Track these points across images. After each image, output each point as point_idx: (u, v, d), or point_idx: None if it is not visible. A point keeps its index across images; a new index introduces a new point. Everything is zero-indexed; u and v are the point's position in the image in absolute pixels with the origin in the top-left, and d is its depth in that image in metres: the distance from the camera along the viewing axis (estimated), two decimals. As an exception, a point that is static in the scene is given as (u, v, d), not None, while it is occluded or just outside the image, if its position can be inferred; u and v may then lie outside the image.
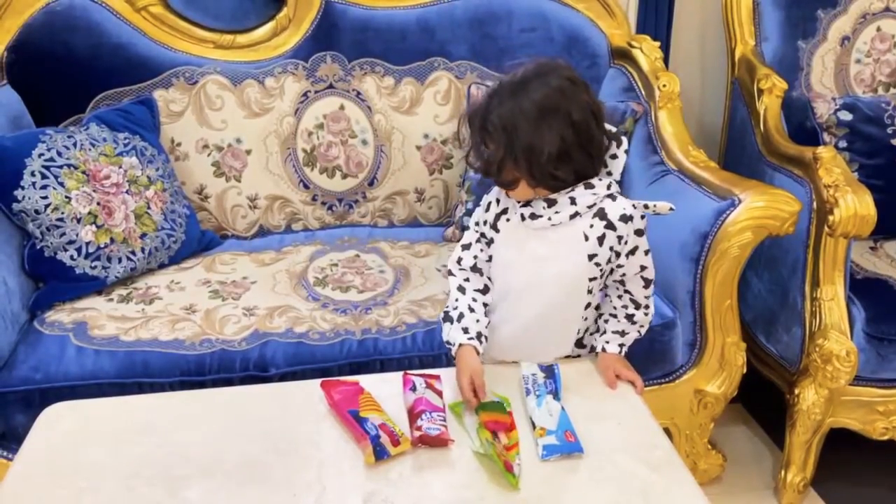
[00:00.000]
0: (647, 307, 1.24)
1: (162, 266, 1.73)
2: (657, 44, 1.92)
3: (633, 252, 1.18)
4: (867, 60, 2.03)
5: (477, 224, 1.26)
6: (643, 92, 1.87)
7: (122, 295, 1.61)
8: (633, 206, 1.16)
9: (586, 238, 1.16)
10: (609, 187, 1.17)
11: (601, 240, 1.16)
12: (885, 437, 1.66)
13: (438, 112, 1.94)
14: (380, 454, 1.05)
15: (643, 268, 1.20)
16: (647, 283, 1.22)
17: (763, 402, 1.91)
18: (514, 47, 1.93)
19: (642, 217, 1.17)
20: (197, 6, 1.87)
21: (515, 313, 1.23)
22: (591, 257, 1.16)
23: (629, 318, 1.24)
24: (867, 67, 2.03)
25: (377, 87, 1.93)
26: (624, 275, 1.21)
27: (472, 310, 1.22)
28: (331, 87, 1.92)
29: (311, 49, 1.91)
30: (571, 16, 1.96)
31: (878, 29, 2.03)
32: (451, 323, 1.23)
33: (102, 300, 1.59)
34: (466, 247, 1.26)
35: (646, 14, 2.04)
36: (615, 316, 1.24)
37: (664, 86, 1.81)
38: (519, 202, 1.18)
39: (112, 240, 1.61)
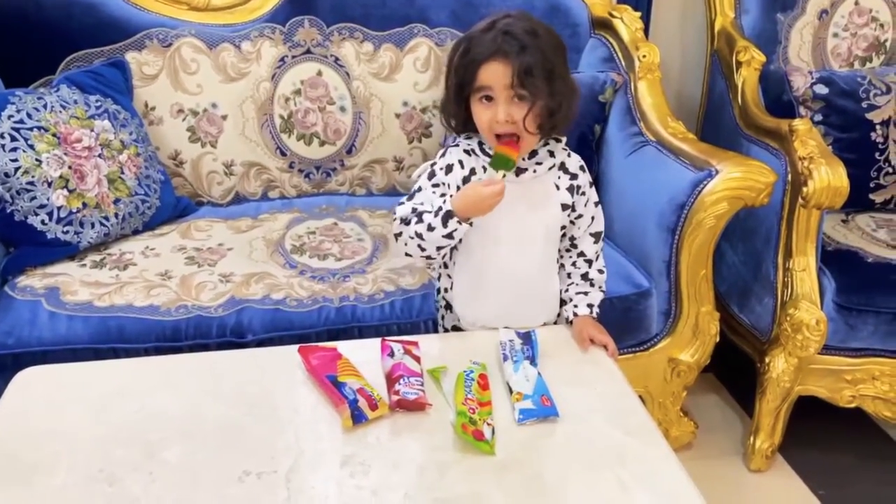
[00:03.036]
0: (599, 263, 1.29)
1: (136, 232, 1.71)
2: (638, 14, 1.91)
3: (587, 202, 1.25)
4: (844, 34, 2.04)
5: (436, 186, 1.21)
6: (623, 62, 1.87)
7: (95, 261, 1.59)
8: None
9: (557, 188, 1.21)
10: (567, 143, 1.24)
11: (570, 190, 1.22)
12: (852, 405, 1.70)
13: (418, 79, 1.93)
14: (357, 418, 1.05)
15: (593, 219, 1.27)
16: (596, 237, 1.28)
17: (734, 371, 1.95)
18: (495, 14, 1.91)
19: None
20: (171, -34, 1.82)
21: (504, 272, 1.23)
22: (563, 207, 1.22)
23: (584, 277, 1.28)
24: (844, 42, 2.05)
25: (356, 53, 1.91)
26: (578, 229, 1.26)
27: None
28: (308, 52, 1.89)
29: (289, 13, 1.87)
30: (552, -16, 1.95)
31: (857, 3, 2.04)
32: (429, 214, 1.16)
33: (75, 265, 1.57)
34: (420, 204, 1.19)
35: (627, -16, 2.03)
36: (572, 281, 1.28)
37: (644, 56, 1.81)
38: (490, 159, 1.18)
39: (84, 204, 1.58)
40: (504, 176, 1.15)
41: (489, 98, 1.13)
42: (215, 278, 1.54)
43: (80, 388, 1.14)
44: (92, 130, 1.63)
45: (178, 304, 1.45)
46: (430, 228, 1.15)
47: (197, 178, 1.88)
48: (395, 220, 1.21)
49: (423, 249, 1.18)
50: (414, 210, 1.19)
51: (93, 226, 1.60)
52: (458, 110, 1.19)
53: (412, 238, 1.18)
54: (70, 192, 1.56)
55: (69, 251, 1.58)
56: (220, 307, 1.45)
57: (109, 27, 1.78)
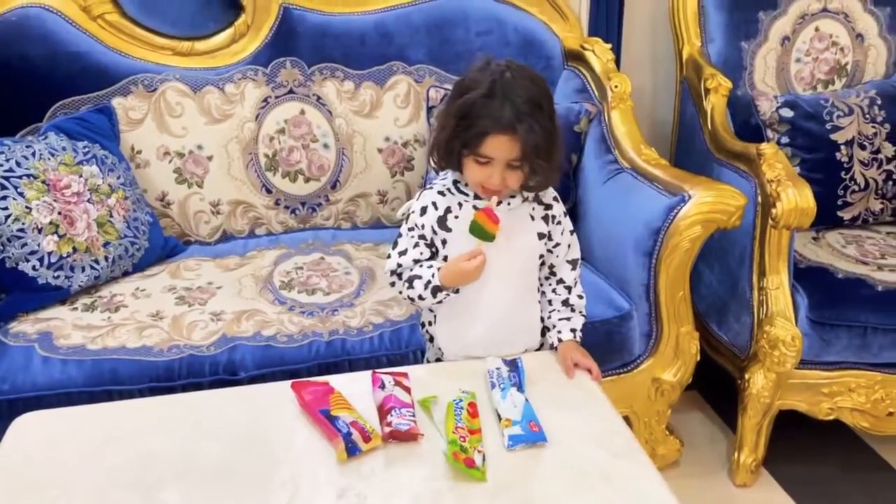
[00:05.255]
0: (578, 289, 1.34)
1: (126, 274, 1.73)
2: (608, 46, 1.98)
3: (563, 231, 1.30)
4: (806, 59, 2.13)
5: (412, 229, 1.26)
6: (596, 93, 1.93)
7: (86, 304, 1.61)
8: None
9: (532, 218, 1.27)
10: None
11: (545, 219, 1.28)
12: (831, 417, 1.75)
13: (398, 115, 1.98)
14: (352, 451, 1.08)
15: (570, 247, 1.32)
16: (573, 264, 1.33)
17: (716, 388, 2.00)
18: (471, 50, 1.97)
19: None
20: (154, 13, 1.87)
21: (485, 304, 1.27)
22: (540, 236, 1.27)
23: (565, 303, 1.32)
24: (806, 66, 2.13)
25: (337, 92, 1.96)
26: (556, 257, 1.31)
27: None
28: (291, 92, 1.94)
29: (271, 55, 1.93)
30: (525, 19, 2.02)
31: (817, 29, 2.13)
32: (419, 283, 1.24)
33: (66, 309, 1.59)
34: (403, 253, 1.27)
35: (597, 17, 2.11)
36: (554, 308, 1.33)
37: (616, 87, 1.88)
38: (467, 196, 1.24)
39: (74, 249, 1.61)
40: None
41: (486, 160, 1.17)
42: (206, 317, 1.56)
43: (76, 432, 1.16)
44: (80, 176, 1.66)
45: (171, 345, 1.48)
46: (421, 298, 1.25)
47: (184, 218, 1.91)
48: (386, 272, 1.30)
49: (419, 307, 1.30)
50: (400, 265, 1.27)
51: (83, 269, 1.62)
52: (450, 161, 1.22)
53: (406, 299, 1.28)
54: (60, 237, 1.59)
55: (60, 295, 1.60)
56: (212, 346, 1.48)
57: (95, 74, 1.82)
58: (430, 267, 1.25)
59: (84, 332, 1.51)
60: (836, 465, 1.86)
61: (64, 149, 1.67)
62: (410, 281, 1.25)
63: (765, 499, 1.77)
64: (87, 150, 1.71)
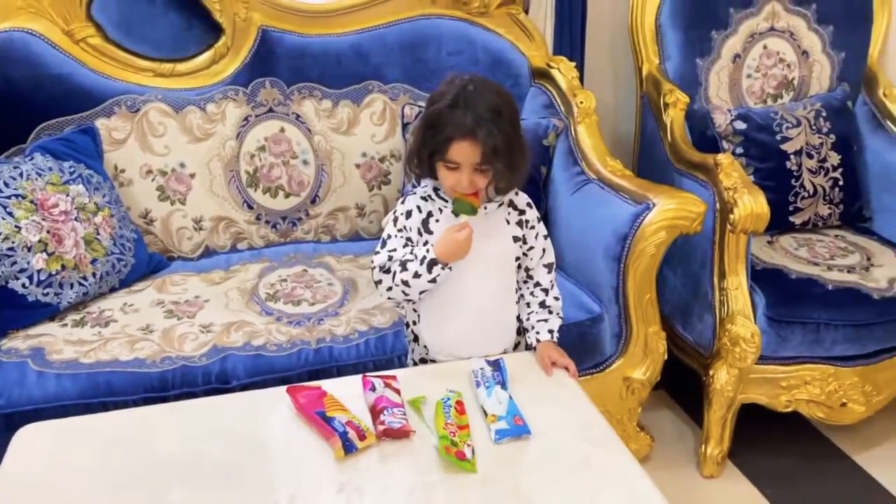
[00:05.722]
0: (554, 291, 1.42)
1: (113, 290, 1.77)
2: (573, 64, 2.09)
3: (537, 235, 1.38)
4: (756, 75, 2.27)
5: (401, 230, 1.34)
6: (562, 108, 2.04)
7: (75, 320, 1.65)
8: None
9: (508, 223, 1.35)
10: None
11: (518, 224, 1.36)
12: (789, 409, 1.87)
13: (375, 132, 2.06)
14: (348, 448, 1.14)
15: (544, 251, 1.39)
16: (549, 267, 1.41)
17: (683, 389, 2.11)
18: (443, 69, 2.05)
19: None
20: (136, 37, 1.92)
21: (467, 300, 1.34)
22: (515, 239, 1.35)
23: (542, 304, 1.40)
24: (757, 81, 2.27)
25: (315, 110, 2.03)
26: (531, 260, 1.39)
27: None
28: (271, 111, 2.00)
29: (251, 75, 1.99)
30: (494, 39, 2.12)
31: (765, 47, 2.27)
32: (413, 263, 1.29)
33: (56, 326, 1.63)
34: (393, 250, 1.33)
35: (561, 37, 2.22)
36: (532, 310, 1.41)
37: (581, 102, 1.98)
38: (446, 202, 1.33)
39: (63, 266, 1.65)
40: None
41: (455, 165, 1.26)
42: (196, 329, 1.61)
43: (79, 440, 1.20)
44: (67, 195, 1.70)
45: (163, 356, 1.52)
46: (416, 276, 1.29)
47: (167, 234, 1.96)
48: (373, 268, 1.34)
49: (406, 294, 1.32)
50: (391, 258, 1.32)
51: (72, 286, 1.66)
52: (423, 168, 1.32)
53: (397, 285, 1.31)
54: (49, 255, 1.63)
55: (50, 312, 1.64)
56: (204, 356, 1.53)
57: (78, 96, 1.86)
58: (422, 249, 1.31)
59: (76, 347, 1.54)
60: (796, 454, 1.97)
61: (50, 169, 1.71)
62: (404, 264, 1.29)
63: (731, 489, 1.87)
64: (72, 169, 1.75)
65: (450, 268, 1.29)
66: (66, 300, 1.65)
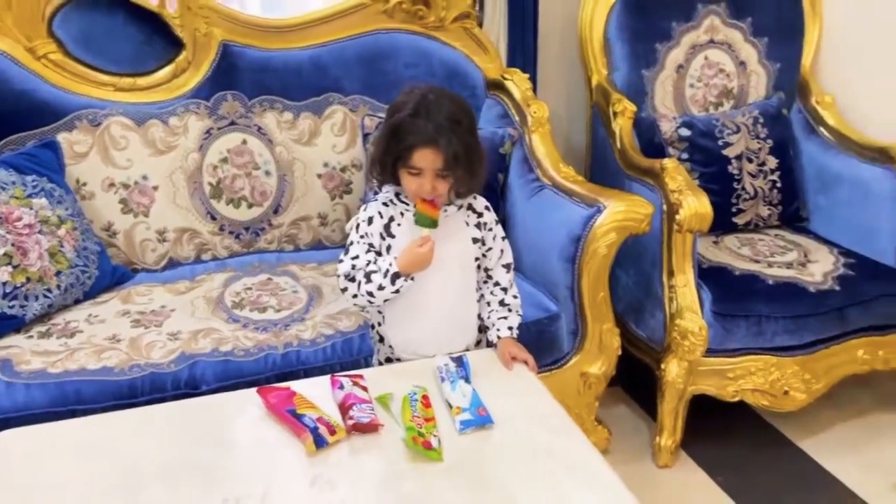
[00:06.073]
0: (513, 290, 1.49)
1: (77, 301, 1.78)
2: (526, 76, 2.18)
3: (495, 237, 1.45)
4: (699, 85, 2.39)
5: (363, 237, 1.40)
6: (517, 118, 2.12)
7: (41, 331, 1.66)
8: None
9: (467, 224, 1.42)
10: None
11: (477, 226, 1.43)
12: (736, 399, 1.97)
13: (336, 142, 2.11)
14: (319, 443, 1.19)
15: (503, 252, 1.46)
16: (507, 267, 1.48)
17: (638, 384, 2.20)
18: (402, 81, 2.11)
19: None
20: (96, 52, 1.94)
21: (430, 301, 1.40)
22: (474, 240, 1.43)
23: (502, 303, 1.47)
24: (699, 90, 2.39)
25: (277, 122, 2.07)
26: (490, 261, 1.46)
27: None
28: (233, 123, 2.04)
29: (212, 89, 2.02)
30: (450, 52, 2.19)
31: (706, 58, 2.39)
32: (377, 275, 1.35)
33: (22, 338, 1.63)
34: (355, 258, 1.39)
35: (514, 49, 2.30)
36: (492, 308, 1.47)
37: (535, 112, 2.07)
38: (408, 206, 1.39)
39: (28, 279, 1.66)
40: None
41: (418, 171, 1.32)
42: (163, 337, 1.64)
43: (56, 445, 1.22)
44: (31, 209, 1.71)
45: (131, 364, 1.55)
46: (381, 288, 1.36)
47: (130, 246, 1.97)
48: (338, 276, 1.41)
49: (371, 302, 1.39)
50: (354, 266, 1.38)
51: (37, 298, 1.67)
52: (385, 175, 1.38)
53: (363, 295, 1.37)
54: (14, 268, 1.64)
55: (15, 324, 1.64)
56: (172, 363, 1.56)
57: (40, 111, 1.87)
58: (385, 260, 1.37)
59: (43, 358, 1.56)
60: (745, 442, 2.08)
61: (14, 183, 1.72)
62: (368, 276, 1.36)
63: (684, 477, 1.96)
64: (35, 183, 1.76)
65: (412, 279, 1.36)
66: (32, 312, 1.66)
